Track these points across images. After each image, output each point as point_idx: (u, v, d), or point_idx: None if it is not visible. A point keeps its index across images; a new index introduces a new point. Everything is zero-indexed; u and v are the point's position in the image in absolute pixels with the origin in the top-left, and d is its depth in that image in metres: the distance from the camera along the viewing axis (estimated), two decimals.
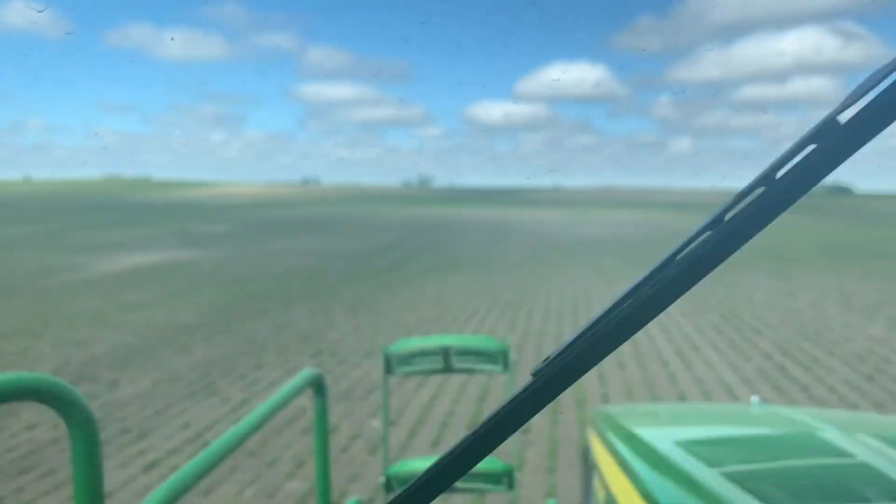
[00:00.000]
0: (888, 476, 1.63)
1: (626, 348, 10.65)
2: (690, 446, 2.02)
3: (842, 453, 1.83)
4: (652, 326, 12.39)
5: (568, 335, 0.78)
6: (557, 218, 51.66)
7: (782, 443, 2.17)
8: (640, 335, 11.81)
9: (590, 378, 9.10)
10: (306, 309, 14.24)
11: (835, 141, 0.52)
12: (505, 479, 2.75)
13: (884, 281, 18.73)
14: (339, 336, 11.49)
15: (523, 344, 11.02)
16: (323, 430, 2.75)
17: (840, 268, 22.63)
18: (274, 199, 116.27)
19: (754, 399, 2.78)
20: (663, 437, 2.21)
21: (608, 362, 9.81)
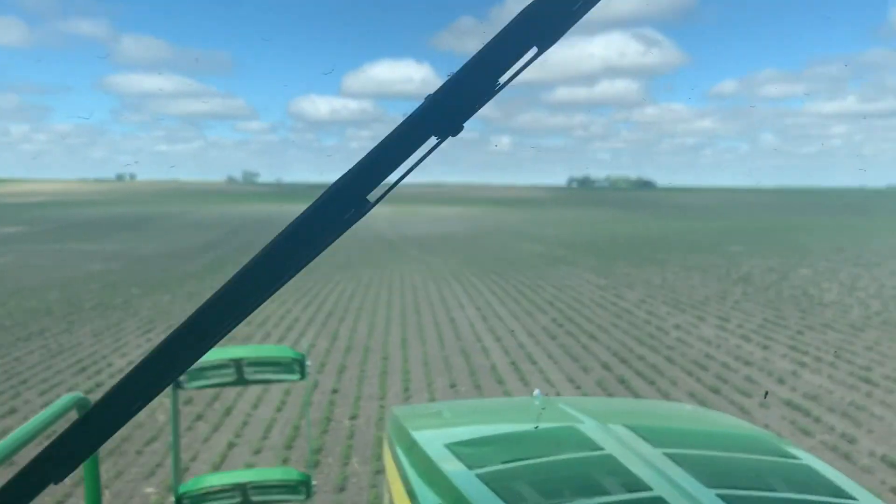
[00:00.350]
0: (628, 469, 1.71)
1: (457, 362, 9.67)
2: (457, 448, 2.07)
3: (594, 446, 1.90)
4: (485, 335, 11.51)
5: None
6: (387, 214, 50.66)
7: (543, 438, 2.24)
8: (473, 344, 10.88)
9: (419, 401, 8.04)
10: (93, 327, 12.22)
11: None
12: (303, 488, 2.84)
13: (703, 276, 19.14)
14: (125, 363, 9.71)
15: (346, 363, 9.76)
16: (92, 468, 2.30)
17: (659, 262, 23.12)
18: (84, 196, 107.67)
19: (536, 392, 2.79)
20: (437, 438, 2.26)
21: (440, 382, 8.77)
